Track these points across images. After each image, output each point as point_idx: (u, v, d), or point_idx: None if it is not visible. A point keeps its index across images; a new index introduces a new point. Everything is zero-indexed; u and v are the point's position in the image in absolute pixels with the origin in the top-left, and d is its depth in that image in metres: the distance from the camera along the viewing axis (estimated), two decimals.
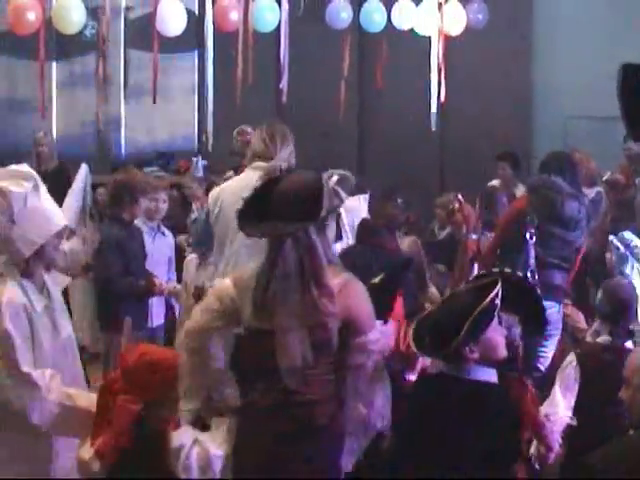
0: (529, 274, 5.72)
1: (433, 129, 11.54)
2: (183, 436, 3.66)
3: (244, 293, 3.65)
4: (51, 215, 4.07)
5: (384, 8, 10.64)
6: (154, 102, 9.74)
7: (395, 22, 10.70)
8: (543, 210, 6.12)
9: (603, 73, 11.37)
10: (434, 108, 11.37)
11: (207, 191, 8.86)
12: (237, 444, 3.65)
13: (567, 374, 4.73)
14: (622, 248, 6.02)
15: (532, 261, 5.89)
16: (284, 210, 3.57)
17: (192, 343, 3.71)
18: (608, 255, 6.18)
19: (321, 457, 3.59)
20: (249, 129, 9.62)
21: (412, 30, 10.86)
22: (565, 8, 12.09)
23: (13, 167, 4.11)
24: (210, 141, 10.34)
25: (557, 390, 4.71)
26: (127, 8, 11.95)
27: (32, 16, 8.68)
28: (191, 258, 6.57)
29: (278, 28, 9.95)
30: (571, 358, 4.81)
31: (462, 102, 12.18)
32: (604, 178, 8.31)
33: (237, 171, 8.99)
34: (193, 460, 3.61)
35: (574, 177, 6.44)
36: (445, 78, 11.36)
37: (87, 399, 3.93)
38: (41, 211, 4.01)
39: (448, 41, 11.26)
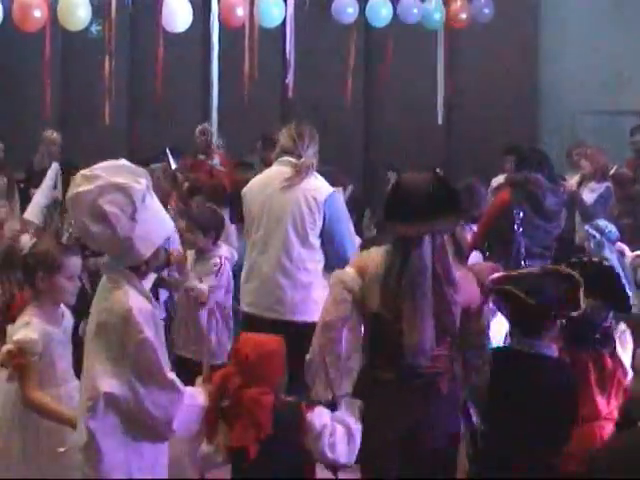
0: (521, 262, 6.22)
1: (439, 123, 11.54)
2: (322, 417, 3.82)
3: (371, 283, 3.93)
4: (164, 216, 3.84)
5: (390, 3, 10.63)
6: (159, 100, 9.74)
7: (401, 17, 10.69)
8: (527, 204, 6.49)
9: (610, 68, 11.43)
10: (440, 102, 11.37)
11: (172, 186, 8.93)
12: (367, 417, 3.91)
13: (626, 339, 4.90)
14: (598, 236, 6.29)
15: (523, 250, 6.17)
16: (428, 208, 3.84)
17: (331, 334, 3.93)
18: (586, 244, 6.49)
19: (444, 422, 4.00)
20: (208, 127, 9.86)
21: (418, 24, 10.85)
22: (572, 3, 12.06)
23: (120, 163, 3.81)
24: (215, 136, 10.35)
25: (623, 356, 4.85)
26: (133, 4, 11.93)
27: (38, 13, 8.68)
28: (188, 254, 6.49)
29: (284, 23, 9.94)
30: (624, 327, 4.95)
31: (468, 96, 12.17)
32: (610, 173, 8.31)
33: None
34: (338, 436, 3.79)
35: (551, 172, 6.82)
36: (451, 72, 11.35)
37: (200, 394, 3.83)
38: (157, 211, 3.76)
39: (454, 35, 11.25)
